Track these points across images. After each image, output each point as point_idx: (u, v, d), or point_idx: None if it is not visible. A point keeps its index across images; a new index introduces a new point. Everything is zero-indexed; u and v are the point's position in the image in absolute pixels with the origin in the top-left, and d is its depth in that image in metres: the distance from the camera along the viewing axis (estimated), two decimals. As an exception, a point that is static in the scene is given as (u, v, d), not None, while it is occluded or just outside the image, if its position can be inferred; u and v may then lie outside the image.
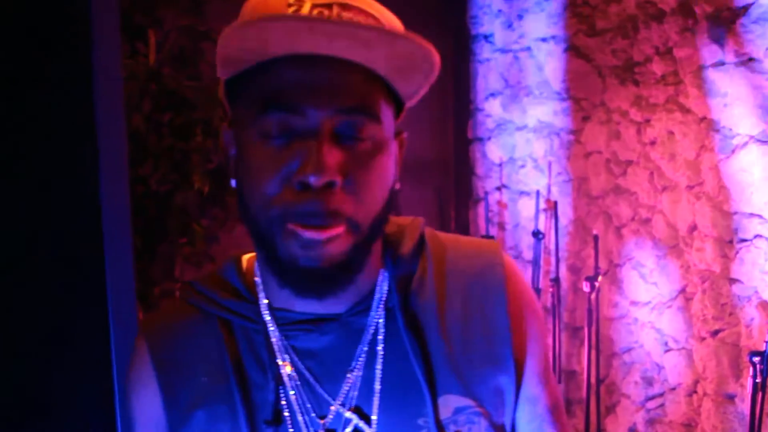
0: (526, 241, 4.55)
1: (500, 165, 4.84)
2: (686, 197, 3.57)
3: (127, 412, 1.12)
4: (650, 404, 3.87)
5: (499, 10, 4.75)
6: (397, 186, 1.03)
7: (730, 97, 3.31)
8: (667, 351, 3.75)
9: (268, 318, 1.04)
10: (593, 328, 3.72)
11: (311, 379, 1.02)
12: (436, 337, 1.03)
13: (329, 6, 0.93)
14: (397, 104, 1.03)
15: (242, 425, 1.01)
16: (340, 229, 0.93)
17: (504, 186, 4.81)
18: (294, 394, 1.02)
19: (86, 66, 1.11)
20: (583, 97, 4.19)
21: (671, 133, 3.63)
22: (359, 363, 1.02)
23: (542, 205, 4.39)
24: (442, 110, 5.19)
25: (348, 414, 1.01)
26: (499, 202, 4.91)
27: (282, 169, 0.92)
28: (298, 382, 1.02)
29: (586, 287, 3.63)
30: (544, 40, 4.43)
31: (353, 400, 1.01)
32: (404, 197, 4.71)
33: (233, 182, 1.03)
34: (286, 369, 1.02)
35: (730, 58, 3.32)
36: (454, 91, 5.14)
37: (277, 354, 1.02)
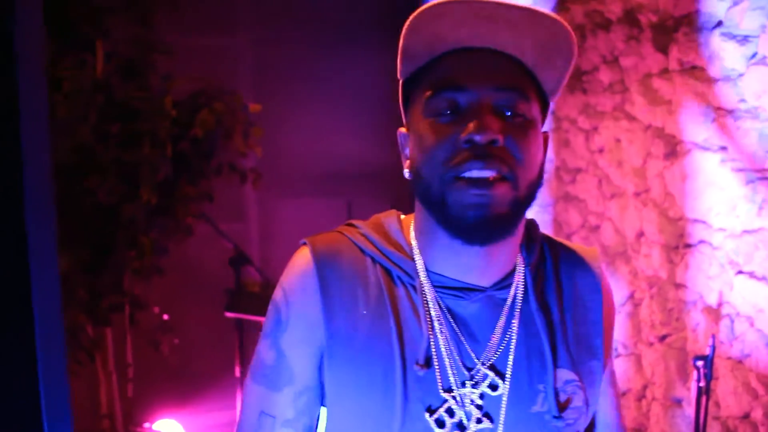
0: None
1: (453, 173, 4.87)
2: (633, 204, 3.62)
3: (279, 316, 1.24)
4: None
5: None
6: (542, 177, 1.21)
7: (675, 105, 3.37)
8: (616, 356, 3.79)
9: (423, 276, 1.21)
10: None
11: (460, 336, 1.20)
12: (558, 319, 1.23)
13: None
14: (543, 102, 1.20)
15: (396, 360, 1.17)
16: (503, 183, 1.10)
17: (457, 194, 4.84)
18: (444, 346, 1.18)
19: (10, 79, 1.10)
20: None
21: (618, 140, 3.68)
22: (498, 330, 1.21)
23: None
24: (394, 119, 5.19)
25: (486, 370, 1.19)
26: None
27: (452, 136, 1.11)
28: (448, 337, 1.19)
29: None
30: (494, 49, 4.47)
31: (490, 360, 1.20)
32: (361, 205, 4.72)
33: (408, 175, 1.21)
34: (438, 324, 1.19)
35: (674, 66, 3.37)
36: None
37: (433, 310, 1.19)
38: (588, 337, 1.25)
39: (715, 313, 3.26)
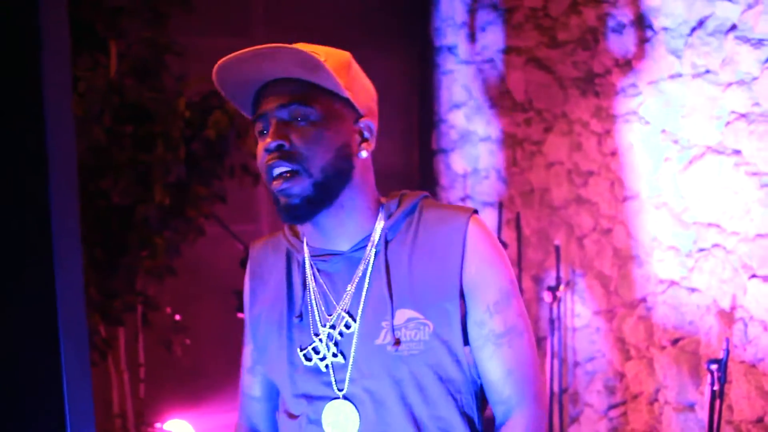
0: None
1: (464, 176, 4.86)
2: (647, 208, 3.61)
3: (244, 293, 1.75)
4: (612, 413, 3.89)
5: (463, 22, 4.78)
6: (364, 154, 1.56)
7: (687, 109, 3.36)
8: (628, 360, 3.79)
9: (306, 250, 1.61)
10: (556, 338, 3.75)
11: (326, 291, 1.58)
12: (404, 271, 1.54)
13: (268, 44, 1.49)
14: (340, 100, 1.54)
15: (284, 315, 1.61)
16: (294, 175, 1.46)
17: (468, 197, 4.83)
18: (315, 299, 1.58)
19: (36, 83, 1.10)
20: (544, 108, 4.22)
21: (631, 144, 3.67)
22: (354, 282, 1.56)
23: (505, 217, 4.41)
24: (407, 122, 5.21)
25: (343, 314, 1.55)
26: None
27: (264, 148, 1.49)
28: (317, 293, 1.58)
29: (548, 297, 3.65)
30: (506, 51, 4.47)
31: (348, 306, 1.56)
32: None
33: None
34: (312, 283, 1.59)
35: (686, 69, 3.37)
36: (418, 103, 5.16)
37: (308, 273, 1.60)
38: (441, 282, 1.52)
39: (728, 316, 3.26)
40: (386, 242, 1.57)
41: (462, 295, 1.53)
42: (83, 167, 3.14)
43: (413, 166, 5.27)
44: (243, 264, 3.99)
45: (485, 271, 1.54)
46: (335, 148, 1.50)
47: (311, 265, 1.60)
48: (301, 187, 1.46)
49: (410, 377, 1.51)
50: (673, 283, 3.51)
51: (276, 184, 1.47)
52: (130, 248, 3.32)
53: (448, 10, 4.93)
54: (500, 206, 4.04)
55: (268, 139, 1.47)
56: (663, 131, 3.50)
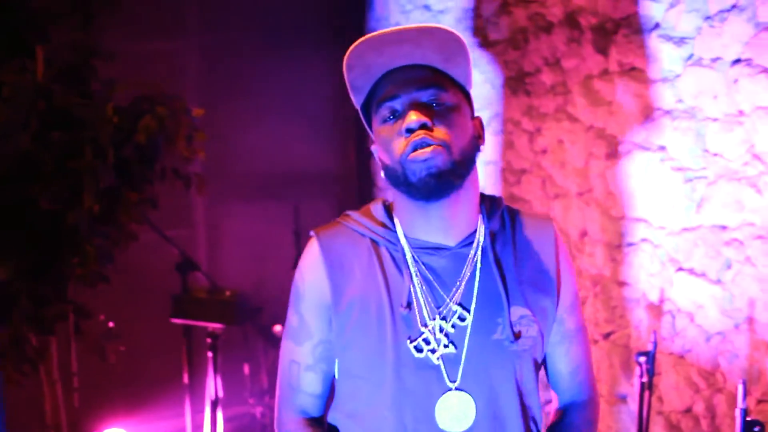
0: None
1: (400, 176, 4.88)
2: (576, 204, 3.67)
3: (298, 290, 1.69)
4: (548, 408, 3.94)
5: (396, 23, 4.80)
6: (482, 148, 1.61)
7: (615, 106, 3.43)
8: (563, 354, 3.84)
9: (404, 242, 1.61)
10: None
11: (433, 284, 1.59)
12: (511, 269, 1.61)
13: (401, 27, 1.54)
14: (464, 93, 1.59)
15: (386, 305, 1.58)
16: (439, 148, 1.48)
17: (405, 197, 4.85)
18: (421, 291, 1.58)
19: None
20: (477, 107, 4.26)
21: (561, 141, 3.73)
22: (463, 278, 1.59)
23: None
24: (343, 124, 5.22)
25: (455, 306, 1.58)
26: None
27: (398, 131, 1.51)
28: (424, 285, 1.59)
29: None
30: (438, 52, 4.50)
31: (459, 299, 1.58)
32: (308, 208, 4.72)
33: (383, 175, 1.61)
34: (416, 275, 1.59)
35: (614, 67, 3.43)
36: (353, 107, 5.16)
37: (411, 265, 1.59)
38: (542, 281, 1.62)
39: (656, 309, 3.33)
40: (491, 238, 1.62)
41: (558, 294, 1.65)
42: (10, 174, 3.09)
43: (350, 167, 5.28)
44: (179, 268, 3.97)
45: (568, 275, 1.68)
46: (469, 135, 1.56)
47: (414, 257, 1.60)
48: (443, 160, 1.48)
49: (521, 371, 1.58)
50: (603, 277, 3.57)
51: (420, 155, 1.47)
52: (61, 256, 3.27)
53: (382, 11, 4.95)
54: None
55: (412, 117, 1.49)
56: (591, 127, 3.56)
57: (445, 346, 1.56)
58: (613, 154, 3.45)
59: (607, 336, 3.59)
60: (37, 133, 3.15)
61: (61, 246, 3.25)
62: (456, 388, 1.56)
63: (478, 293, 1.58)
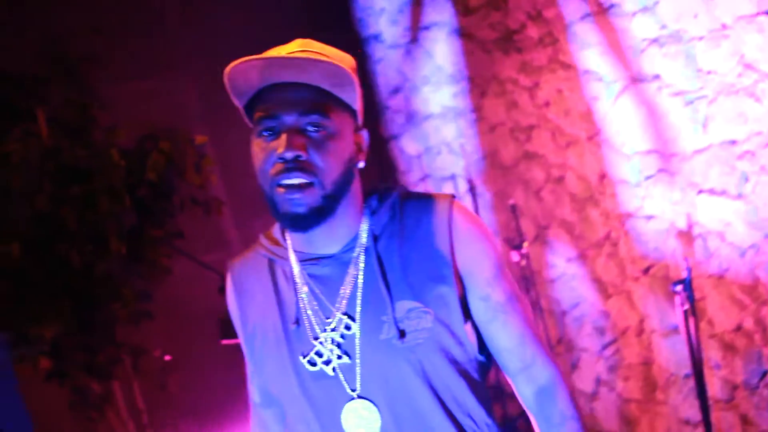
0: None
1: (418, 156, 4.92)
2: (589, 148, 3.67)
3: (230, 314, 1.70)
4: (607, 352, 3.96)
5: (382, 9, 4.82)
6: (361, 164, 1.55)
7: (602, 46, 3.41)
8: (608, 298, 3.85)
9: (292, 257, 1.58)
10: (533, 294, 3.81)
11: (319, 295, 1.55)
12: (396, 263, 1.54)
13: (294, 52, 1.50)
14: (352, 112, 1.53)
15: (279, 324, 1.57)
16: (309, 188, 1.43)
17: (427, 176, 4.89)
18: (309, 304, 1.55)
19: None
20: (475, 74, 4.28)
21: (560, 90, 3.73)
22: (347, 284, 1.54)
23: (462, 188, 4.47)
24: (353, 116, 5.25)
25: (340, 315, 1.53)
26: (426, 192, 4.98)
27: (271, 153, 1.45)
28: (311, 298, 1.56)
29: (514, 256, 3.71)
30: (427, 28, 4.52)
31: (344, 307, 1.54)
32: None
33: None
34: (304, 289, 1.56)
35: (594, 8, 3.42)
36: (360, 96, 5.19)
37: (298, 279, 1.57)
38: (435, 268, 1.54)
39: (687, 236, 3.32)
40: (374, 239, 1.56)
41: (458, 277, 1.54)
42: (34, 237, 3.20)
43: (367, 157, 5.31)
44: (221, 291, 4.06)
45: (476, 249, 1.56)
46: (345, 160, 1.50)
47: (301, 271, 1.57)
48: (312, 198, 1.44)
49: (420, 366, 1.51)
50: (630, 215, 3.57)
51: (284, 192, 1.43)
52: (101, 304, 3.38)
53: (366, 0, 4.98)
54: (454, 179, 4.09)
55: (282, 147, 1.42)
56: (586, 72, 3.55)
57: (339, 357, 1.53)
58: (612, 92, 3.44)
59: (646, 271, 3.59)
60: (53, 192, 3.26)
61: (98, 294, 3.36)
62: (358, 396, 1.53)
63: (361, 297, 1.53)
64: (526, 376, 1.60)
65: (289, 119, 1.46)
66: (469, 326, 1.57)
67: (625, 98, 3.38)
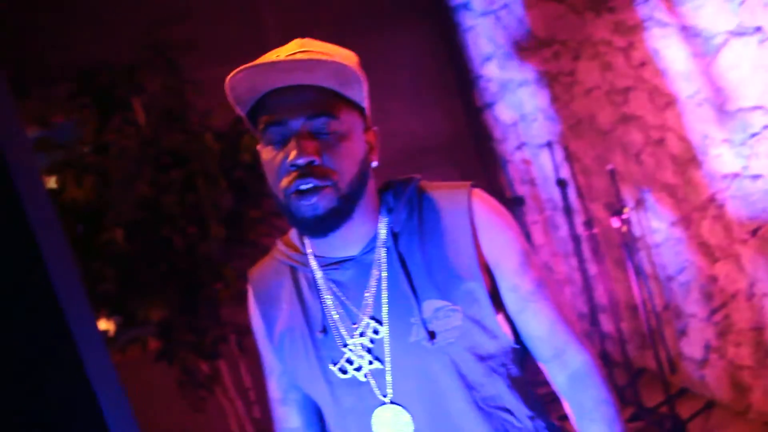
0: (556, 192, 4.55)
1: (514, 124, 4.84)
2: (689, 107, 3.54)
3: (252, 329, 1.68)
4: (716, 317, 3.83)
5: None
6: (374, 163, 1.51)
7: (699, 0, 3.27)
8: (716, 261, 3.72)
9: (313, 263, 1.54)
10: (636, 259, 3.71)
11: (344, 300, 1.52)
12: (419, 261, 1.48)
13: (294, 53, 1.42)
14: (361, 110, 1.49)
15: (306, 333, 1.54)
16: (325, 190, 1.39)
17: (523, 144, 4.81)
18: (335, 310, 1.52)
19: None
20: (567, 38, 4.17)
21: (656, 50, 3.60)
22: (371, 286, 1.49)
23: (559, 154, 4.38)
24: (446, 88, 5.21)
25: (367, 320, 1.49)
26: (524, 161, 4.91)
27: (282, 161, 1.40)
28: (337, 304, 1.52)
29: (615, 223, 3.62)
30: (517, -7, 4.43)
31: (371, 311, 1.49)
32: (431, 178, 4.75)
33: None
34: (327, 295, 1.52)
35: (689, -39, 3.28)
36: (452, 67, 5.16)
37: (321, 285, 1.53)
38: (460, 263, 1.48)
39: (796, 194, 3.17)
40: (394, 237, 1.50)
41: (484, 269, 1.48)
42: (139, 222, 3.29)
43: (462, 128, 5.27)
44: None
45: (500, 239, 1.50)
46: (359, 161, 1.45)
47: (323, 276, 1.52)
48: (328, 200, 1.39)
49: (452, 366, 1.47)
50: (736, 175, 3.43)
51: (299, 198, 1.39)
52: (204, 285, 3.46)
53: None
54: (549, 146, 4.01)
55: (294, 154, 1.37)
56: (683, 28, 3.41)
57: (370, 363, 1.49)
58: (712, 48, 3.30)
59: (754, 233, 3.44)
60: (154, 178, 3.34)
61: (201, 276, 3.44)
62: (391, 402, 1.50)
63: (388, 298, 1.48)
64: (559, 363, 1.55)
65: (297, 124, 1.41)
66: (501, 317, 1.51)
67: (726, 53, 3.24)
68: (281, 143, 1.41)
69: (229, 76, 1.37)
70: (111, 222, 3.22)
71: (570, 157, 4.01)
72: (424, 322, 1.45)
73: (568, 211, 4.21)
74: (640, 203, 4.03)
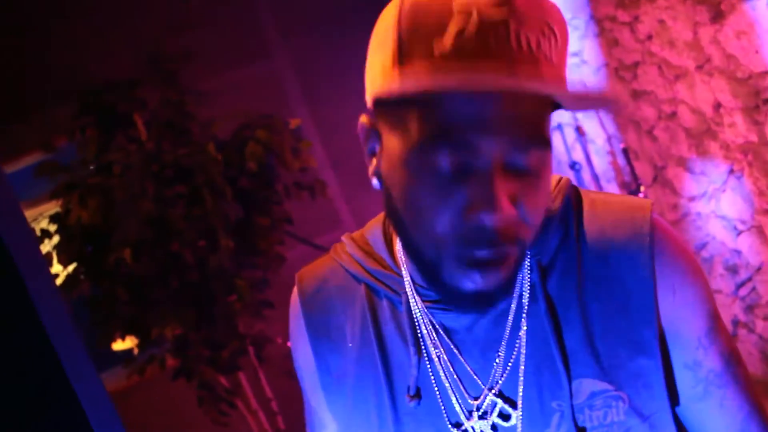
0: (571, 176, 4.46)
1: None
2: (700, 78, 3.44)
3: (295, 363, 1.20)
4: (742, 291, 3.74)
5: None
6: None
7: (701, -34, 3.19)
8: (739, 234, 3.62)
9: (410, 292, 1.04)
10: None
11: (459, 357, 1.03)
12: (575, 316, 1.00)
13: (505, 24, 0.86)
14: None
15: (384, 392, 1.05)
16: (511, 258, 0.94)
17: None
18: (443, 370, 1.03)
19: None
20: (571, 17, 4.08)
21: (662, 21, 3.50)
22: (503, 347, 1.02)
23: (571, 136, 4.30)
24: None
25: (493, 397, 1.02)
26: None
27: (455, 206, 0.90)
28: (446, 359, 1.03)
29: (632, 202, 3.53)
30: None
31: (497, 384, 1.02)
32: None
33: (377, 185, 1.02)
34: (431, 347, 1.04)
35: (688, -73, 3.19)
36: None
37: (421, 329, 1.04)
38: (629, 329, 1.00)
39: (817, 159, 3.07)
40: (541, 274, 1.02)
41: (662, 340, 1.02)
42: (146, 241, 3.24)
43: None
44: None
45: (688, 293, 1.03)
46: (545, 207, 0.98)
47: (427, 317, 1.04)
48: (508, 271, 0.95)
49: None
50: (751, 143, 3.33)
51: (475, 269, 0.92)
52: (217, 298, 3.41)
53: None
54: (560, 128, 3.93)
55: (492, 208, 0.88)
56: (687, -2, 3.32)
57: None
58: (719, 15, 3.20)
59: (776, 202, 3.35)
60: (157, 194, 3.29)
61: (213, 289, 3.38)
62: None
63: (525, 368, 1.01)
64: None
65: (493, 151, 0.89)
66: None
67: (733, 19, 3.14)
68: (457, 174, 0.90)
69: (462, 76, 0.86)
70: (118, 242, 3.17)
71: (582, 139, 3.92)
72: (572, 411, 0.99)
73: (583, 193, 4.13)
74: (656, 180, 3.94)
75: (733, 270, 3.73)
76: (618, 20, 3.76)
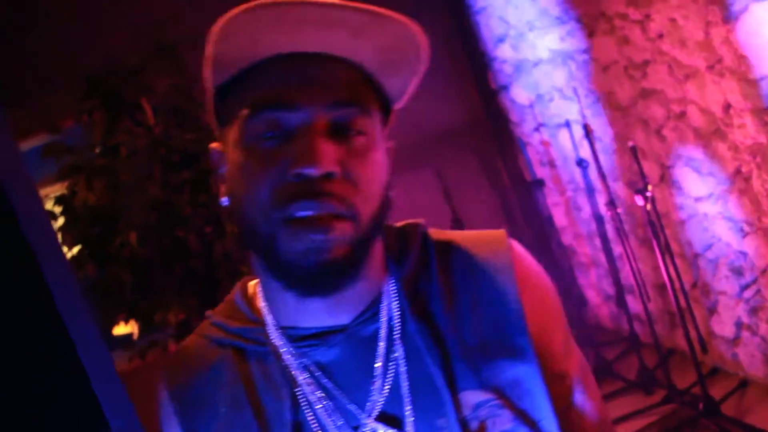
0: (579, 172, 4.45)
1: (530, 105, 4.75)
2: (710, 78, 3.43)
3: None
4: (747, 294, 3.73)
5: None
6: (392, 192, 1.01)
7: (716, -34, 3.17)
8: (744, 236, 3.61)
9: (275, 337, 1.02)
10: (661, 238, 3.62)
11: (335, 392, 1.00)
12: (450, 334, 1.01)
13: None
14: (385, 112, 1.02)
15: None
16: (344, 225, 0.91)
17: (541, 124, 4.72)
18: (321, 408, 0.99)
19: None
20: (581, 14, 4.07)
21: (673, 20, 3.49)
22: (378, 372, 0.99)
23: (578, 133, 4.29)
24: (461, 74, 5.13)
25: (373, 424, 0.98)
26: (542, 142, 4.82)
27: (278, 167, 0.90)
28: (322, 396, 0.99)
29: (639, 201, 3.53)
30: (527, -29, 4.34)
31: (377, 410, 0.99)
32: (450, 168, 4.68)
33: (225, 201, 1.00)
34: (306, 385, 1.00)
35: (703, -74, 3.17)
36: (464, 50, 5.06)
37: (293, 371, 1.00)
38: (504, 338, 1.01)
39: (826, 162, 3.06)
40: (409, 299, 1.02)
41: (535, 348, 1.04)
42: (151, 225, 3.24)
43: (478, 112, 5.19)
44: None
45: (549, 309, 1.09)
46: (384, 184, 0.98)
47: (292, 358, 1.01)
48: (345, 243, 0.92)
49: None
50: (761, 145, 3.32)
51: (302, 229, 0.90)
52: (222, 284, 3.40)
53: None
54: (568, 125, 3.92)
55: (309, 158, 0.89)
56: (700, -3, 3.31)
57: None
58: (731, 15, 3.19)
59: (783, 204, 3.34)
60: (164, 179, 3.29)
61: (218, 275, 3.38)
62: None
63: (407, 388, 0.99)
64: None
65: (314, 113, 0.91)
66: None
67: (746, 19, 3.13)
68: (279, 138, 0.91)
69: (223, 18, 0.88)
70: (124, 225, 3.17)
71: (589, 136, 3.91)
72: (459, 426, 0.97)
73: (590, 191, 4.11)
74: (663, 180, 3.93)
75: (738, 272, 3.73)
76: (629, 18, 3.75)
